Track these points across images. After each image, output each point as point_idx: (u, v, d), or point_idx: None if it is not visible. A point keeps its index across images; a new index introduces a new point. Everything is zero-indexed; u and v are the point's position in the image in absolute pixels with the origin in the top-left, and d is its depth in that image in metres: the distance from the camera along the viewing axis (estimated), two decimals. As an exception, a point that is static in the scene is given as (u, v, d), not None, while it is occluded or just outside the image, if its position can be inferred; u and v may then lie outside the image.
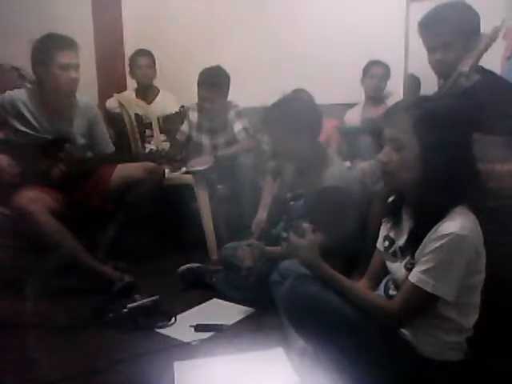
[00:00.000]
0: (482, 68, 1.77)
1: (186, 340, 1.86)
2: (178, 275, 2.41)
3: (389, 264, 1.37)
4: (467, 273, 1.20)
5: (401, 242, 1.31)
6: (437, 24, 1.78)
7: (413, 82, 3.26)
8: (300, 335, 1.39)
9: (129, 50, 3.78)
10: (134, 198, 2.46)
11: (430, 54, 1.83)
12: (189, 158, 2.94)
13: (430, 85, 2.23)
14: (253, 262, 2.00)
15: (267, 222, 2.27)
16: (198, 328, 1.93)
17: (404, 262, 1.28)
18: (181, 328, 1.95)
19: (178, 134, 3.22)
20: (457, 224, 1.17)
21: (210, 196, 2.92)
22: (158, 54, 3.63)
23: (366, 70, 3.32)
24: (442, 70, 1.85)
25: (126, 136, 3.21)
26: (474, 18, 1.78)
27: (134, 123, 3.19)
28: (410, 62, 3.32)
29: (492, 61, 1.81)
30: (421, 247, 1.21)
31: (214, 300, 2.24)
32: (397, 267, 1.31)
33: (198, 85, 3.00)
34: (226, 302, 2.20)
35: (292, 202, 1.37)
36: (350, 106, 3.46)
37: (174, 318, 2.01)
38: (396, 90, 3.36)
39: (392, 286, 1.36)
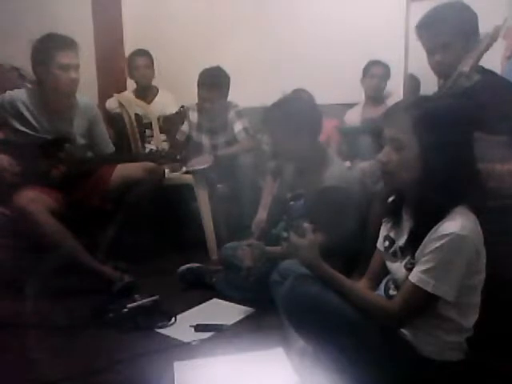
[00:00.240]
0: (483, 68, 1.77)
1: (186, 340, 1.86)
2: (178, 275, 2.41)
3: (389, 264, 1.37)
4: (467, 273, 1.20)
5: (401, 241, 1.31)
6: (435, 25, 1.78)
7: (412, 83, 3.26)
8: (300, 335, 1.39)
9: (129, 50, 3.78)
10: (134, 197, 2.46)
11: (430, 55, 1.83)
12: (189, 158, 2.94)
13: (429, 85, 2.22)
14: (253, 262, 2.00)
15: (267, 222, 2.27)
16: (198, 328, 1.93)
17: (404, 262, 1.28)
18: (181, 328, 1.95)
19: (178, 133, 3.22)
20: (457, 224, 1.17)
21: (210, 196, 2.92)
22: (157, 54, 3.63)
23: (366, 70, 3.32)
24: (442, 71, 1.85)
25: (125, 136, 3.21)
26: (472, 18, 1.78)
27: (134, 123, 3.19)
28: (410, 62, 3.33)
29: (492, 61, 1.80)
30: (421, 247, 1.21)
31: (214, 300, 2.24)
32: (397, 267, 1.31)
33: (198, 85, 3.00)
34: (226, 302, 2.20)
35: (292, 202, 1.37)
36: (350, 105, 3.46)
37: (174, 318, 2.01)
38: (396, 90, 3.36)
39: (392, 286, 1.36)
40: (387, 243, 1.37)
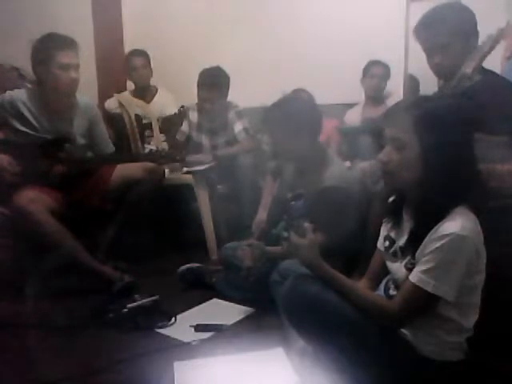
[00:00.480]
0: (483, 68, 1.77)
1: (186, 340, 1.86)
2: (178, 275, 2.41)
3: (389, 264, 1.37)
4: (468, 273, 1.19)
5: (401, 242, 1.31)
6: (433, 26, 1.78)
7: (412, 83, 3.26)
8: (300, 335, 1.39)
9: (129, 50, 3.77)
10: (134, 197, 2.47)
11: (429, 57, 1.83)
12: (189, 159, 2.95)
13: (429, 85, 2.22)
14: (253, 262, 2.00)
15: (267, 222, 2.27)
16: (198, 328, 1.93)
17: (404, 262, 1.28)
18: (181, 328, 1.95)
19: (178, 134, 3.23)
20: (457, 224, 1.17)
21: (210, 196, 2.92)
22: (157, 53, 3.63)
23: (366, 70, 3.32)
24: (442, 72, 1.85)
25: (125, 136, 3.21)
26: (470, 18, 1.78)
27: (134, 123, 3.19)
28: (410, 62, 3.32)
29: (492, 61, 1.80)
30: (421, 247, 1.21)
31: (214, 300, 2.24)
32: (397, 267, 1.31)
33: (198, 85, 3.00)
34: (226, 302, 2.20)
35: (293, 202, 1.37)
36: (350, 106, 3.46)
37: (174, 318, 2.01)
38: (396, 90, 3.35)
39: (392, 286, 1.36)
40: (387, 243, 1.37)
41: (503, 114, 1.56)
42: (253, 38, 3.56)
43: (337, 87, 3.32)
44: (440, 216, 1.20)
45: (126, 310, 1.96)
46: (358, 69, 3.33)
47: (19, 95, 2.38)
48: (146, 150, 3.12)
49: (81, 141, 2.49)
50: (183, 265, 2.43)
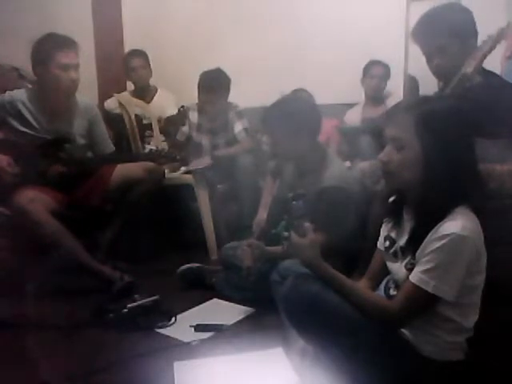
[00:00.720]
0: (483, 68, 1.77)
1: (186, 340, 1.85)
2: (178, 275, 2.41)
3: (389, 264, 1.37)
4: (468, 273, 1.19)
5: (402, 242, 1.31)
6: (430, 29, 1.78)
7: (411, 84, 3.26)
8: (300, 335, 1.39)
9: (128, 50, 3.77)
10: (134, 197, 2.47)
11: (428, 59, 1.83)
12: (189, 158, 2.95)
13: (429, 85, 2.22)
14: (253, 262, 1.99)
15: (267, 222, 2.27)
16: (198, 328, 1.93)
17: (405, 262, 1.28)
18: (181, 328, 1.95)
19: (179, 133, 3.22)
20: (458, 224, 1.17)
21: (210, 196, 2.92)
22: (157, 53, 3.63)
23: (366, 70, 3.32)
24: (442, 74, 1.85)
25: (125, 136, 3.21)
26: (468, 19, 1.77)
27: (134, 123, 3.19)
28: (410, 63, 3.33)
29: (492, 61, 1.80)
30: (422, 247, 1.21)
31: (214, 300, 2.24)
32: (397, 267, 1.31)
33: (199, 88, 3.00)
34: (226, 302, 2.20)
35: (294, 202, 1.37)
36: (350, 106, 3.47)
37: (174, 318, 2.01)
38: (396, 91, 3.36)
39: (392, 286, 1.36)
40: (388, 243, 1.37)
41: (503, 115, 1.56)
42: (253, 38, 3.57)
43: (337, 87, 3.33)
44: (440, 216, 1.20)
45: (125, 310, 1.96)
46: (358, 69, 3.33)
47: (19, 95, 2.38)
48: (146, 150, 3.12)
49: (81, 141, 2.49)
50: (183, 265, 2.43)
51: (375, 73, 3.30)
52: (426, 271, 1.18)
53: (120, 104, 3.27)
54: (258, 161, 2.94)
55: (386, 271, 1.40)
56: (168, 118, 3.37)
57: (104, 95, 3.74)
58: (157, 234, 2.72)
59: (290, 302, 1.35)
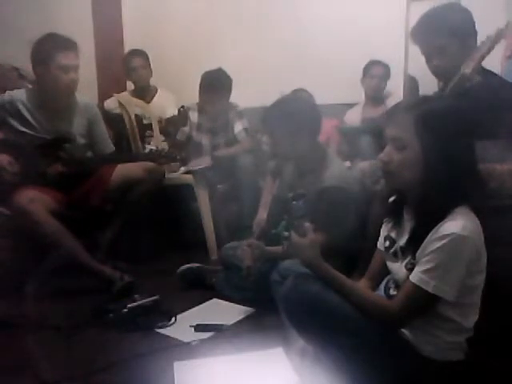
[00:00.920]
0: (483, 68, 1.77)
1: (186, 340, 1.85)
2: (178, 275, 2.41)
3: (389, 264, 1.37)
4: (468, 273, 1.19)
5: (402, 242, 1.31)
6: (429, 29, 1.78)
7: (411, 84, 3.26)
8: (300, 335, 1.39)
9: (128, 50, 3.77)
10: (134, 197, 2.47)
11: (428, 60, 1.83)
12: (189, 158, 2.95)
13: (429, 85, 2.23)
14: (253, 262, 2.00)
15: (267, 222, 2.27)
16: (198, 328, 1.93)
17: (405, 262, 1.28)
18: (181, 328, 1.95)
19: (179, 133, 3.22)
20: (458, 224, 1.17)
21: (210, 196, 2.92)
22: (157, 53, 3.63)
23: (366, 70, 3.32)
24: (442, 74, 1.85)
25: (125, 136, 3.21)
26: (467, 19, 1.77)
27: (134, 123, 3.19)
28: (410, 63, 3.33)
29: (492, 60, 1.80)
30: (422, 247, 1.21)
31: (214, 300, 2.24)
32: (397, 267, 1.31)
33: (200, 88, 3.00)
34: (226, 302, 2.20)
35: (294, 202, 1.37)
36: (350, 106, 3.47)
37: (174, 318, 2.01)
38: (396, 91, 3.36)
39: (393, 286, 1.36)
40: (388, 243, 1.37)
41: (503, 115, 1.56)
42: (253, 38, 3.57)
43: (337, 87, 3.33)
44: (441, 216, 1.20)
45: (125, 310, 1.96)
46: (358, 69, 3.33)
47: (19, 95, 2.38)
48: (146, 150, 3.12)
49: (81, 140, 2.49)
50: (183, 265, 2.43)
51: (375, 73, 3.30)
52: (426, 271, 1.18)
53: (120, 104, 3.27)
54: (258, 161, 2.94)
55: (386, 271, 1.40)
56: (169, 118, 3.37)
57: (104, 95, 3.74)
58: (157, 234, 2.72)
59: (290, 302, 1.35)
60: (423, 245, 1.21)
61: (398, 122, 1.26)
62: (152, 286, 2.28)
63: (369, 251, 1.51)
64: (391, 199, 1.40)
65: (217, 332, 1.92)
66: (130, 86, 3.71)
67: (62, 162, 2.37)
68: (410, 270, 1.24)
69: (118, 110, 3.33)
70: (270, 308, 1.81)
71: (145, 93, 3.56)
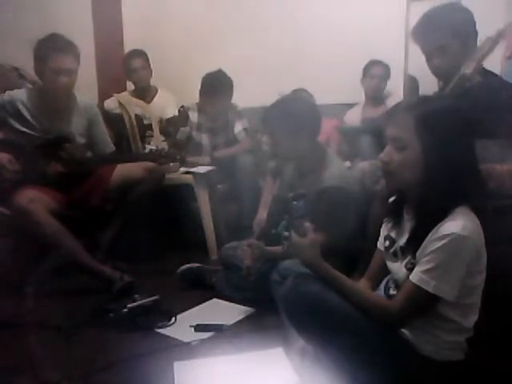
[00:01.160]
0: (483, 68, 1.77)
1: (186, 340, 1.85)
2: (178, 275, 2.41)
3: (389, 264, 1.37)
4: (468, 273, 1.19)
5: (402, 241, 1.31)
6: (430, 29, 1.78)
7: (411, 84, 3.26)
8: (300, 335, 1.39)
9: (128, 51, 3.77)
10: (134, 197, 2.47)
11: (428, 60, 1.83)
12: (189, 158, 2.95)
13: (429, 85, 2.23)
14: (253, 262, 2.00)
15: (267, 222, 2.27)
16: (198, 328, 1.93)
17: (405, 262, 1.28)
18: (181, 328, 1.95)
19: (179, 133, 3.22)
20: (458, 224, 1.17)
21: (210, 196, 2.92)
22: (157, 54, 3.63)
23: (366, 70, 3.32)
24: (442, 74, 1.85)
25: (125, 136, 3.21)
26: (468, 19, 1.77)
27: (134, 123, 3.19)
28: (410, 63, 3.33)
29: (492, 61, 1.80)
30: (422, 247, 1.21)
31: (214, 300, 2.24)
32: (397, 267, 1.31)
33: (201, 90, 3.01)
34: (226, 302, 2.20)
35: (295, 202, 1.37)
36: (350, 106, 3.47)
37: (174, 318, 2.01)
38: (396, 91, 3.36)
39: (392, 286, 1.36)
40: (388, 243, 1.37)
41: (503, 115, 1.56)
42: (253, 39, 3.57)
43: (337, 87, 3.33)
44: (441, 216, 1.20)
45: (125, 310, 1.96)
46: (358, 69, 3.33)
47: (19, 95, 2.38)
48: (146, 150, 3.13)
49: (80, 140, 2.49)
50: (183, 265, 2.43)
51: (375, 73, 3.30)
52: (426, 271, 1.18)
53: (120, 104, 3.27)
54: (258, 161, 2.94)
55: (385, 271, 1.40)
56: (169, 119, 3.37)
57: (104, 95, 3.74)
58: (157, 233, 2.72)
59: (290, 302, 1.35)
60: (423, 245, 1.21)
61: (398, 121, 1.26)
62: (152, 285, 2.28)
63: (369, 251, 1.51)
64: (391, 199, 1.40)
65: (217, 332, 1.92)
66: (130, 86, 3.72)
67: (62, 162, 2.37)
68: (410, 269, 1.24)
69: (118, 110, 3.33)
70: (270, 308, 1.81)
71: (145, 93, 3.56)
